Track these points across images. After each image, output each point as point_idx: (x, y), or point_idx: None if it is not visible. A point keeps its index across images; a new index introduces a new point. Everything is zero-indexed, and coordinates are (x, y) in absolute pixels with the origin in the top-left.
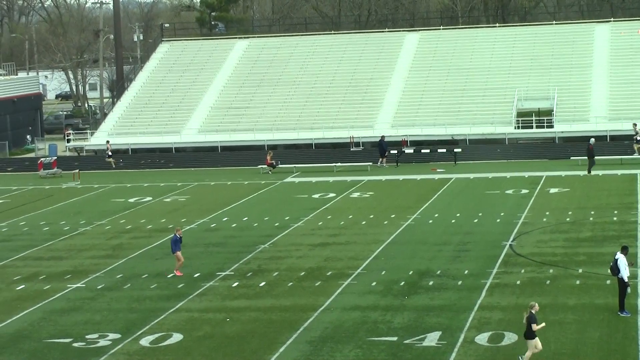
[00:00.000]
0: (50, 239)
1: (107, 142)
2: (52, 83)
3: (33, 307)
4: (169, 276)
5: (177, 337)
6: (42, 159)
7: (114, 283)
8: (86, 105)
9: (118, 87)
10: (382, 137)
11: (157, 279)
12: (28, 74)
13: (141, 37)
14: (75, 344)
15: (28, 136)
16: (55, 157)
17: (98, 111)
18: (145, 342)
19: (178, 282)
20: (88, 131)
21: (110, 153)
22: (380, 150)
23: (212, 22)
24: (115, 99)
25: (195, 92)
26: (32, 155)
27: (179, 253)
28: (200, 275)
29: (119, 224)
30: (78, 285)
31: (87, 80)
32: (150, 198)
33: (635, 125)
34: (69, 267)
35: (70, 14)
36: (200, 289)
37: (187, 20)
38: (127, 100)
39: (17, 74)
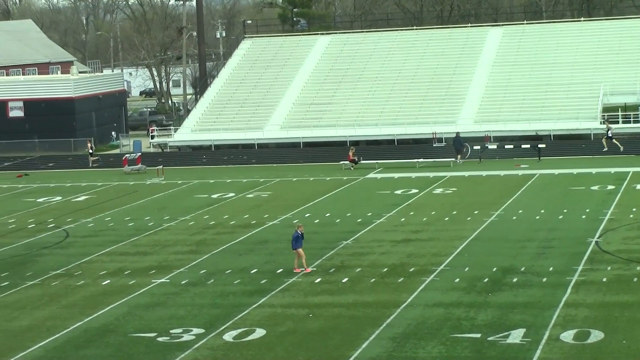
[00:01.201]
0: (135, 235)
1: (88, 140)
2: (136, 80)
3: (118, 302)
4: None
5: (260, 332)
6: (126, 155)
7: (197, 278)
8: (170, 102)
9: (201, 84)
10: (457, 133)
11: (240, 275)
12: (113, 71)
13: (224, 34)
14: (160, 339)
15: (113, 133)
16: (140, 154)
17: (181, 108)
18: (228, 337)
19: (261, 277)
20: (172, 127)
21: (91, 151)
22: (456, 147)
23: (294, 19)
24: (198, 96)
25: (277, 89)
26: (116, 151)
27: (300, 250)
28: (283, 271)
29: (202, 220)
30: (162, 280)
31: (170, 77)
32: (233, 194)
33: (607, 122)
34: (154, 263)
35: (154, 11)
36: (283, 285)
37: (269, 16)
38: (210, 97)
39: (102, 71)
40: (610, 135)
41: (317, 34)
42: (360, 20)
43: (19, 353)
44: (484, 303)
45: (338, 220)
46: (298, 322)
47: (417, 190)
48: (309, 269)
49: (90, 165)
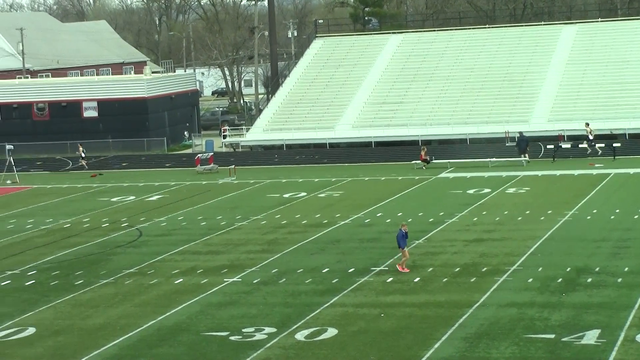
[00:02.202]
0: (207, 234)
1: (80, 144)
2: (209, 80)
3: (191, 301)
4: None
5: (331, 331)
6: (199, 155)
7: (269, 277)
8: (241, 101)
9: (273, 84)
10: (521, 132)
11: (312, 274)
12: (185, 71)
13: (295, 34)
14: (232, 338)
15: (185, 132)
16: (212, 153)
17: (253, 107)
18: (300, 336)
19: (333, 277)
20: (243, 127)
21: (83, 155)
22: (520, 146)
23: (366, 18)
24: (270, 95)
25: (349, 88)
26: (189, 151)
27: (405, 249)
28: (355, 271)
29: (274, 219)
30: (234, 279)
31: (242, 76)
32: (305, 193)
33: (587, 124)
34: (226, 262)
35: (226, 11)
36: (354, 284)
37: (341, 16)
38: (281, 96)
39: (174, 71)
40: (591, 138)
41: (389, 33)
42: (432, 19)
43: (93, 351)
44: (558, 303)
45: (410, 219)
46: (370, 321)
47: (489, 190)
48: (406, 270)
49: (86, 167)
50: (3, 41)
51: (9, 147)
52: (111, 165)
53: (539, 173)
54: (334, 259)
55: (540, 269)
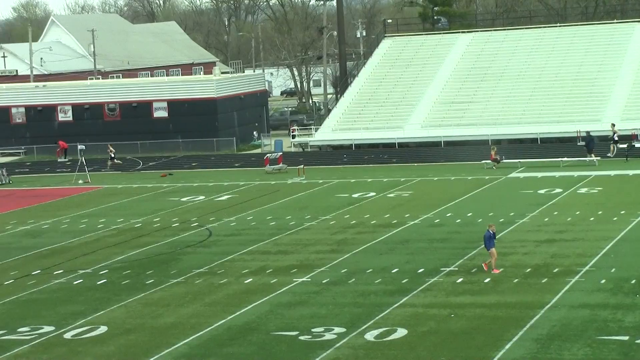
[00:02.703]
0: (276, 234)
1: (110, 144)
2: (277, 80)
3: (260, 300)
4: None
5: (401, 332)
6: (268, 155)
7: (338, 277)
8: (310, 101)
9: (341, 83)
10: (588, 132)
11: (381, 274)
12: (254, 72)
13: (364, 34)
14: (302, 337)
15: (254, 132)
16: (281, 153)
17: (322, 107)
18: (370, 336)
19: (402, 277)
20: (312, 127)
21: (112, 155)
22: (588, 146)
23: (435, 17)
24: (339, 95)
25: (418, 87)
26: (258, 151)
27: (493, 249)
28: (425, 271)
29: (343, 219)
30: (304, 279)
31: (311, 76)
32: (374, 193)
33: (613, 125)
34: (295, 262)
35: (294, 11)
36: (424, 285)
37: (410, 15)
38: (350, 96)
39: (243, 72)
40: (616, 139)
41: (458, 32)
42: (502, 18)
43: (164, 350)
44: (632, 305)
45: (480, 220)
46: (440, 322)
47: (561, 190)
48: (498, 270)
49: (109, 167)
50: (75, 43)
51: (80, 147)
52: (181, 165)
53: (612, 173)
54: (404, 259)
55: (613, 269)
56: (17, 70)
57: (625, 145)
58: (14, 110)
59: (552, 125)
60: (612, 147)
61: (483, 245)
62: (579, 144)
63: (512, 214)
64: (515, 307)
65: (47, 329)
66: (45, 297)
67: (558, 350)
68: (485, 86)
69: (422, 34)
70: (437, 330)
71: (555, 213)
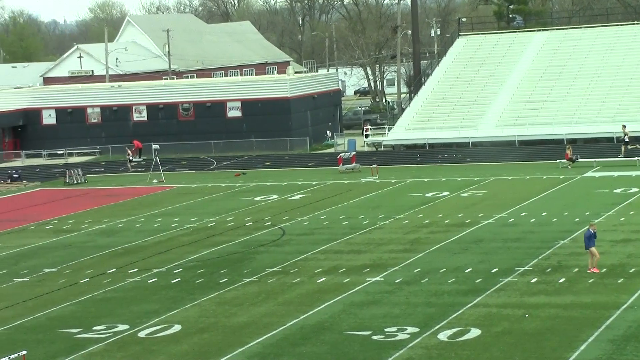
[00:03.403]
0: (349, 233)
1: (127, 147)
2: (351, 79)
3: (333, 300)
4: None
5: (475, 332)
6: (341, 154)
7: (412, 277)
8: (384, 100)
9: (415, 82)
10: None
11: (454, 274)
12: (328, 71)
13: (438, 32)
14: (375, 337)
15: (328, 132)
16: (354, 152)
17: (395, 106)
18: (443, 336)
19: (476, 277)
20: (386, 126)
21: (131, 158)
22: None
23: (510, 16)
24: (413, 94)
25: (492, 86)
26: (331, 150)
27: (593, 249)
28: (498, 271)
29: (416, 218)
30: (377, 278)
31: (384, 76)
32: (447, 193)
33: (624, 127)
34: (368, 261)
35: (368, 10)
36: (498, 284)
37: (485, 14)
38: (424, 95)
39: (317, 71)
40: (627, 140)
41: (534, 30)
42: (578, 15)
43: (237, 349)
44: None
45: (555, 219)
46: (514, 322)
47: (637, 189)
48: (597, 270)
49: (130, 168)
50: (150, 43)
51: (155, 146)
52: (254, 164)
53: None
54: (477, 258)
55: None
56: (92, 71)
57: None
58: (89, 110)
59: (629, 123)
60: (622, 148)
61: (559, 245)
62: None
63: (587, 213)
64: (591, 308)
65: (121, 327)
66: (120, 295)
67: (634, 351)
68: (561, 85)
69: (496, 33)
70: (511, 331)
71: (632, 213)
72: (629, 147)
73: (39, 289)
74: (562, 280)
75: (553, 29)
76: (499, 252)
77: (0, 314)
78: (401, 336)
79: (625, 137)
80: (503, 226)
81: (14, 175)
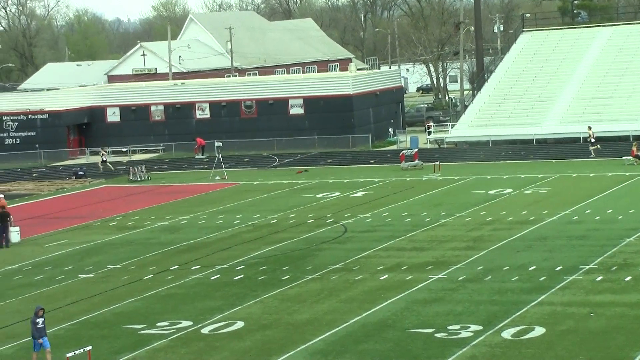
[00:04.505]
0: (411, 230)
1: (101, 148)
2: (413, 76)
3: (396, 297)
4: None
5: (539, 330)
6: (403, 151)
7: (475, 275)
8: (446, 97)
9: (478, 79)
10: None
11: (518, 272)
12: (390, 68)
13: (501, 28)
14: (438, 335)
15: (390, 129)
16: (417, 150)
17: (458, 103)
18: (506, 334)
19: (540, 274)
20: (448, 123)
21: (104, 159)
22: None
23: (575, 11)
24: (476, 91)
25: (556, 83)
26: (393, 147)
27: None
28: (563, 269)
29: (479, 216)
30: (439, 276)
31: (447, 72)
32: (511, 190)
33: (590, 128)
34: (431, 258)
35: (431, 7)
36: (562, 282)
37: (549, 9)
38: (487, 92)
39: (379, 68)
40: (592, 141)
41: (599, 26)
42: None
43: (299, 346)
44: None
45: (620, 217)
46: (579, 320)
47: None
48: None
49: (112, 169)
50: (212, 40)
51: (217, 144)
52: (316, 161)
53: None
54: (541, 256)
55: None
56: (156, 69)
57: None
58: (153, 107)
59: None
60: (591, 149)
61: (624, 243)
62: None
63: None
64: None
65: (185, 323)
66: (183, 292)
67: None
68: (627, 81)
69: (561, 29)
70: (576, 329)
71: None
72: (591, 147)
73: (103, 285)
74: (628, 278)
75: (618, 25)
76: (564, 250)
77: (66, 310)
78: (464, 334)
79: (591, 137)
80: (567, 224)
81: (79, 173)
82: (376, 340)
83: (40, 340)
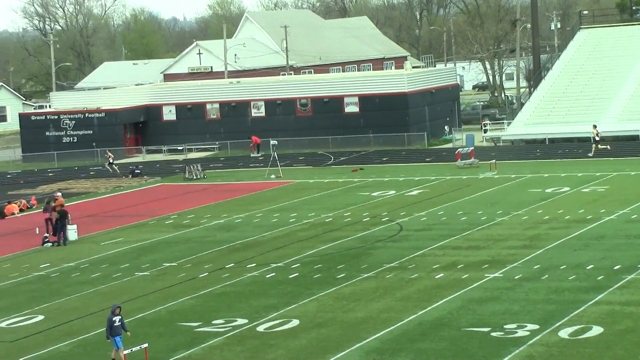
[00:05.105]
0: (467, 229)
1: (107, 150)
2: (469, 74)
3: (452, 296)
4: (615, 268)
5: (597, 329)
6: (459, 150)
7: (531, 273)
8: (503, 95)
9: (535, 77)
10: None
11: (575, 270)
12: (446, 66)
13: (558, 26)
14: (494, 334)
15: (446, 127)
16: (473, 148)
17: (515, 101)
18: (564, 333)
19: (597, 274)
20: (505, 121)
21: (110, 161)
22: None
23: (634, 7)
24: (532, 89)
25: (614, 80)
26: (449, 145)
27: None
28: (621, 268)
29: (536, 214)
30: (495, 274)
31: (503, 70)
32: (568, 188)
33: (595, 127)
34: (486, 257)
35: (487, 4)
36: (621, 282)
37: (607, 6)
38: (544, 90)
39: (435, 66)
40: (597, 139)
41: None
42: None
43: (355, 344)
44: None
45: None
46: (638, 320)
47: None
48: None
49: (118, 172)
50: (268, 39)
51: (273, 142)
52: (372, 160)
53: None
54: (599, 255)
55: None
56: (211, 67)
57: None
58: (208, 106)
59: None
60: (593, 147)
61: None
62: None
63: None
64: None
65: (240, 321)
66: (239, 290)
67: None
68: None
69: (619, 25)
70: (635, 329)
71: None
72: (599, 146)
73: (159, 283)
74: None
75: None
76: (622, 249)
77: (123, 307)
78: (521, 333)
79: (597, 136)
80: (626, 222)
81: (136, 171)
82: (432, 339)
83: (110, 340)
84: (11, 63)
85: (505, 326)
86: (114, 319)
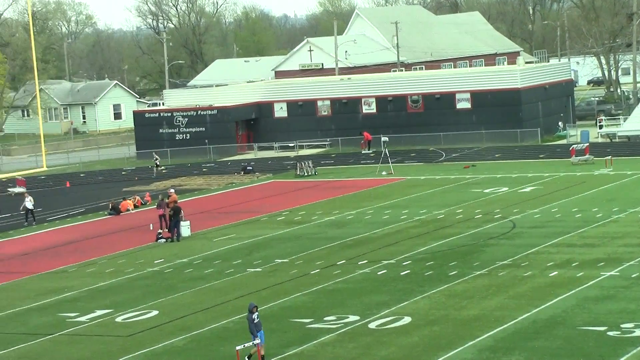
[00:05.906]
0: (582, 226)
1: (154, 152)
2: (584, 69)
3: (566, 294)
4: None
5: None
6: (574, 146)
7: None
8: (618, 90)
9: None
10: None
11: None
12: (559, 61)
13: None
14: (610, 333)
15: (560, 123)
16: (588, 144)
17: (631, 96)
18: None
19: None
20: (621, 117)
21: (157, 163)
22: None
23: None
24: None
25: None
26: (563, 141)
27: None
28: None
29: None
30: (612, 273)
31: (619, 65)
32: None
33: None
34: (602, 255)
35: None
36: None
37: None
38: None
39: (548, 61)
40: None
41: None
42: None
43: (468, 342)
44: None
45: None
46: None
47: None
48: None
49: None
50: (379, 35)
51: (384, 139)
52: (484, 156)
53: None
54: None
55: None
56: (322, 64)
57: None
58: (319, 103)
59: None
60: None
61: None
62: None
63: None
64: None
65: (352, 318)
66: (350, 287)
67: None
68: None
69: None
70: None
71: None
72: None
73: (271, 279)
74: None
75: None
76: None
77: (235, 303)
78: (638, 332)
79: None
80: None
81: (248, 168)
82: (546, 338)
83: (257, 338)
84: (125, 61)
85: (622, 325)
86: (252, 317)
